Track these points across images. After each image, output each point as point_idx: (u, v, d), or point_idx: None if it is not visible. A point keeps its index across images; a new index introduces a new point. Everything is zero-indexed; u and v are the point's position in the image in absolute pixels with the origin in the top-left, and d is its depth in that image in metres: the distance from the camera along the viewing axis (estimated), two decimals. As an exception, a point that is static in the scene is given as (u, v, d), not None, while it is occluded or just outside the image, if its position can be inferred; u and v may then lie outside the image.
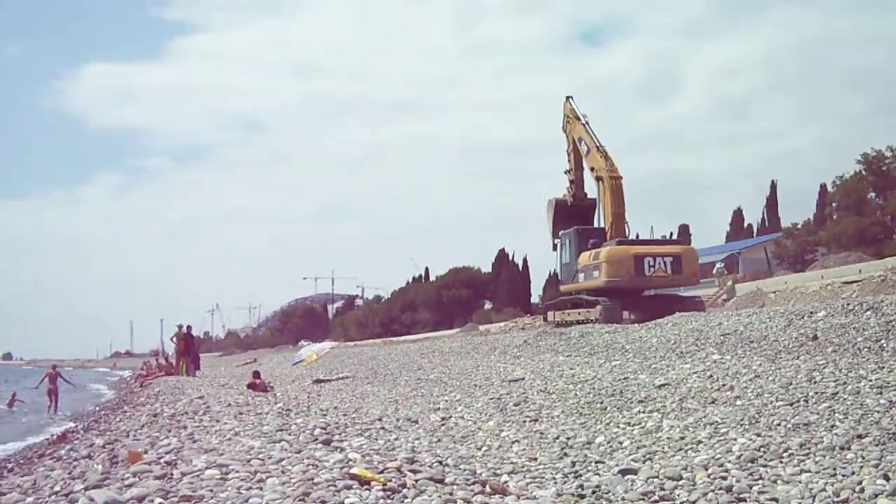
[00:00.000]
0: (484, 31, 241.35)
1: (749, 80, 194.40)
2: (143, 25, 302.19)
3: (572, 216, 36.47)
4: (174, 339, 38.35)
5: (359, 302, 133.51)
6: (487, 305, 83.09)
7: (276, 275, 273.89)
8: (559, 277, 37.84)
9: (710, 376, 14.20)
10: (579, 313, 32.56)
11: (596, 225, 35.58)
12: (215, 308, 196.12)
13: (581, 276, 33.36)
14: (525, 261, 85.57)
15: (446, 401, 17.18)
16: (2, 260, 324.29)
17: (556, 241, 37.13)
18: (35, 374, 42.55)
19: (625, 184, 33.84)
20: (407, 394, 19.57)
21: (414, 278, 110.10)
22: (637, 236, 34.86)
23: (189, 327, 38.23)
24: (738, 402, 11.88)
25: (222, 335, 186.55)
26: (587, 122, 35.88)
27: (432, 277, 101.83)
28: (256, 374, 26.35)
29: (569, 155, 37.79)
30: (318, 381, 26.93)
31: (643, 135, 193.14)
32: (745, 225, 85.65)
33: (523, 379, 18.29)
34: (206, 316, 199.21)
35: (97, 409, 32.31)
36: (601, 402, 13.86)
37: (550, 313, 37.15)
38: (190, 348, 38.05)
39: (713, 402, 12.29)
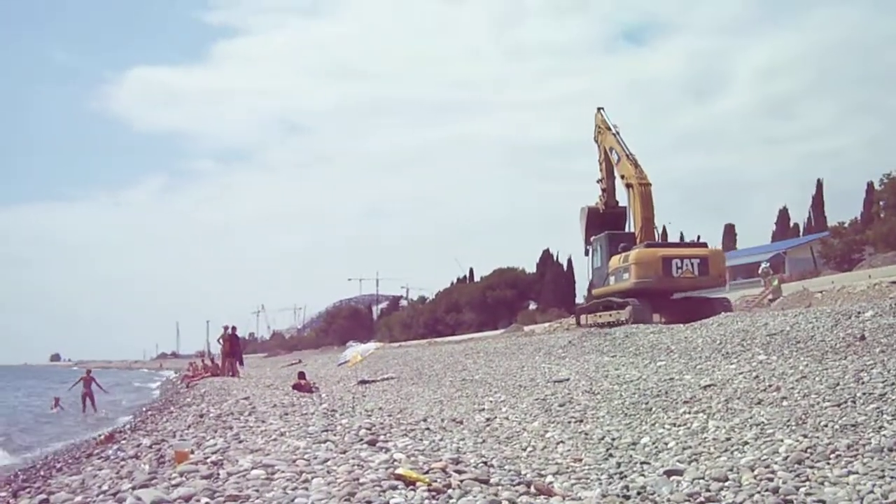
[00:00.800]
0: (525, 32, 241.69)
1: (793, 78, 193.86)
2: (186, 29, 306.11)
3: (604, 223, 37.55)
4: (220, 340, 38.52)
5: (403, 303, 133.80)
6: (532, 306, 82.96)
7: (321, 276, 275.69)
8: (591, 282, 38.66)
9: (757, 377, 14.11)
10: (610, 315, 33.51)
11: (627, 231, 36.57)
12: (260, 309, 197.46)
13: (612, 279, 34.43)
14: (570, 261, 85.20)
15: (491, 401, 17.17)
16: (49, 262, 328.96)
17: (588, 246, 38.54)
18: (72, 375, 42.79)
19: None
20: (452, 394, 19.57)
21: (458, 279, 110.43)
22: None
23: (234, 328, 38.39)
24: (785, 403, 11.80)
25: (267, 336, 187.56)
26: (618, 132, 36.99)
27: (477, 278, 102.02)
28: (302, 375, 26.49)
29: (600, 164, 38.98)
30: (363, 382, 26.99)
31: (687, 134, 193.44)
32: (791, 224, 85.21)
33: (568, 379, 18.26)
34: (251, 317, 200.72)
35: (145, 409, 32.55)
36: (646, 403, 13.82)
37: (583, 317, 38.22)
38: (235, 349, 38.23)
39: (759, 403, 12.21)
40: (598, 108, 38.66)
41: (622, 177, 36.45)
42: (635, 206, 35.21)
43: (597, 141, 39.00)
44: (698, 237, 47.59)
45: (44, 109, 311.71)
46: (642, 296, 32.19)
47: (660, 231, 35.52)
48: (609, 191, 38.44)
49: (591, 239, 37.84)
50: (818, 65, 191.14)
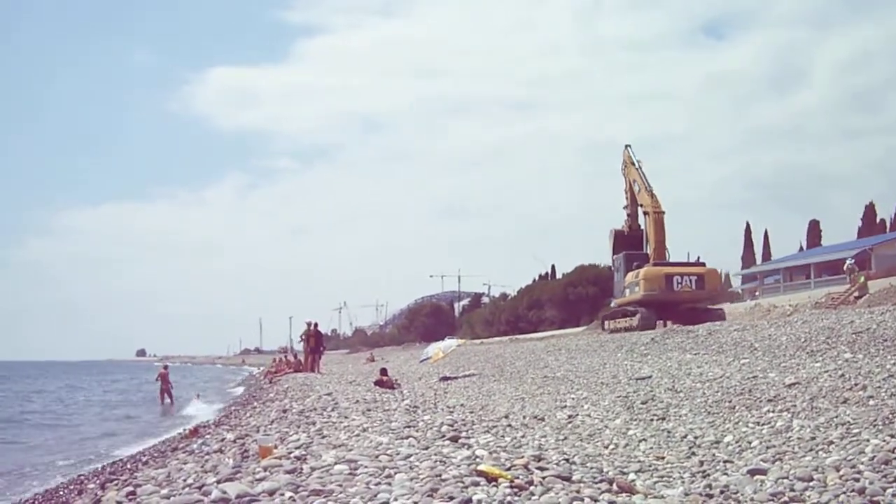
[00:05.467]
0: (603, 27, 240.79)
1: (876, 70, 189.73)
2: (266, 29, 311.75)
3: (628, 243, 43.42)
4: (303, 337, 38.79)
5: (485, 300, 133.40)
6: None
7: (403, 273, 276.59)
8: (613, 293, 45.06)
9: (842, 375, 13.92)
10: (626, 321, 39.71)
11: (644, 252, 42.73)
12: (343, 306, 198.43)
13: (627, 291, 41.08)
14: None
15: (573, 398, 17.14)
16: (133, 260, 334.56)
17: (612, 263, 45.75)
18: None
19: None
20: (533, 391, 19.56)
21: (540, 276, 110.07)
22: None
23: (315, 324, 38.66)
24: (871, 402, 11.64)
25: (350, 333, 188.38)
26: (640, 167, 43.00)
27: (559, 275, 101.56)
28: (384, 372, 26.61)
29: (626, 193, 44.78)
30: (445, 379, 27.04)
31: (767, 128, 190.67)
32: (878, 220, 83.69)
33: (650, 377, 18.18)
34: (333, 314, 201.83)
35: (230, 405, 32.97)
36: (730, 401, 13.71)
37: (607, 322, 43.96)
38: (318, 345, 38.54)
39: (845, 402, 12.05)
40: (626, 146, 44.44)
41: (641, 205, 42.82)
42: (650, 231, 41.53)
43: (623, 173, 44.66)
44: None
45: (126, 110, 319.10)
46: (649, 306, 38.54)
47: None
48: (633, 216, 44.19)
49: (613, 258, 44.66)
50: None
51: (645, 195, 41.95)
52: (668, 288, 38.28)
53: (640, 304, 38.98)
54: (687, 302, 39.04)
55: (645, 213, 42.40)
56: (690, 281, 38.50)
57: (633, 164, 43.40)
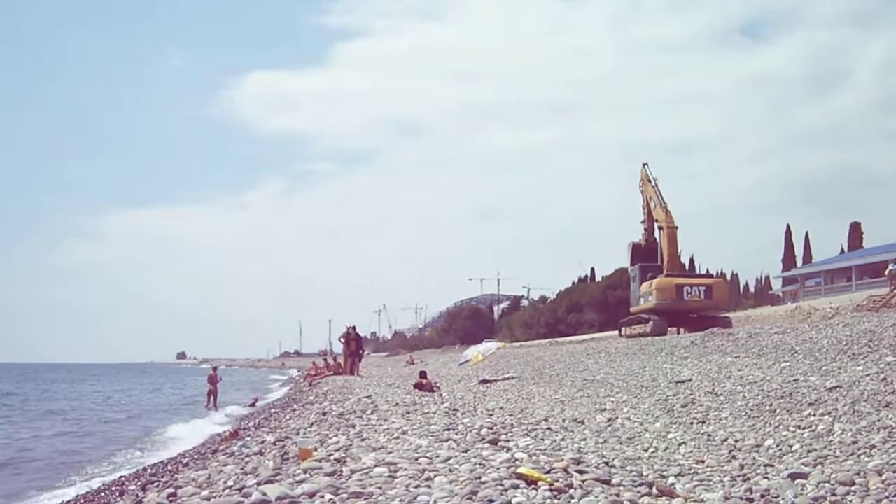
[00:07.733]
0: (639, 29, 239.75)
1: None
2: (304, 33, 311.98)
3: (645, 255, 46.57)
4: (342, 339, 38.86)
5: (524, 303, 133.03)
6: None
7: (442, 276, 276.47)
8: (630, 301, 47.28)
9: (884, 379, 13.82)
10: (640, 328, 42.65)
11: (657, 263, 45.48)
12: (382, 309, 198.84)
13: (641, 300, 44.19)
14: (692, 261, 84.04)
15: (612, 402, 17.12)
16: (175, 263, 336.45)
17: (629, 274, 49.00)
18: (202, 373, 44.08)
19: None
20: (573, 394, 19.54)
21: (579, 279, 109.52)
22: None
23: (354, 327, 38.69)
24: (915, 406, 11.56)
25: (389, 335, 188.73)
26: (657, 184, 45.90)
27: (598, 278, 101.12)
28: (423, 375, 26.62)
29: (643, 209, 47.77)
30: (484, 382, 27.05)
31: (808, 130, 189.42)
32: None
33: (690, 380, 18.11)
34: (373, 316, 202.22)
35: (269, 407, 33.10)
36: (770, 405, 13.65)
37: (624, 328, 46.76)
38: (357, 348, 38.56)
39: (887, 406, 11.97)
40: (644, 164, 47.29)
41: (656, 220, 45.70)
42: (664, 244, 44.57)
43: (641, 190, 47.52)
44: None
45: (165, 114, 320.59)
46: (661, 314, 41.51)
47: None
48: (649, 230, 47.28)
49: (630, 268, 47.88)
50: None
51: (660, 211, 45.02)
52: (679, 297, 41.08)
53: (653, 312, 41.94)
54: (696, 310, 41.86)
55: (660, 228, 45.34)
56: (700, 291, 41.34)
57: (649, 181, 46.27)
